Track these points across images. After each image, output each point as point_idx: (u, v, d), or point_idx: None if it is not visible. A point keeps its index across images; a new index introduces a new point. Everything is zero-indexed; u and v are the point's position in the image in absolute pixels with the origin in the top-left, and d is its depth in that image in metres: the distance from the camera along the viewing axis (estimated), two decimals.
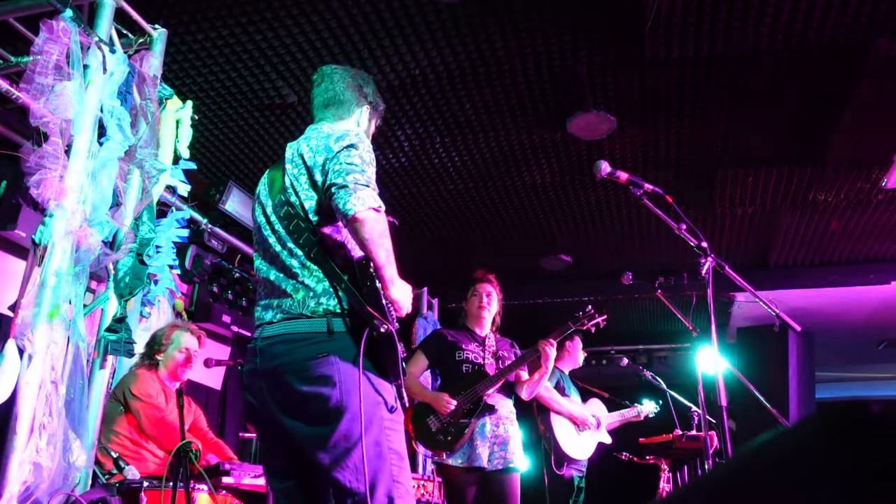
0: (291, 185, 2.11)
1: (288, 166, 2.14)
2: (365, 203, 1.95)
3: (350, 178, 1.98)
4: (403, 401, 2.09)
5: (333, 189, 1.99)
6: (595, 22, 3.51)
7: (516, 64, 3.82)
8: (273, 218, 2.14)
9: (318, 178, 2.06)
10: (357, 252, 2.06)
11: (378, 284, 1.98)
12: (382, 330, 1.95)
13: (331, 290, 2.02)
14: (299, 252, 2.07)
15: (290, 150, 2.18)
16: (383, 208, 2.01)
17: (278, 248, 2.11)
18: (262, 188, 2.26)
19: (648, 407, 5.15)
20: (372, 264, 1.98)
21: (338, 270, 2.02)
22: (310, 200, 2.08)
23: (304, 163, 2.10)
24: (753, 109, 4.17)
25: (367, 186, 1.99)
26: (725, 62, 3.74)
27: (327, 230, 2.08)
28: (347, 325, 2.00)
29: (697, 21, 3.43)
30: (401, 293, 2.05)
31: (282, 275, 2.08)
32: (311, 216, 2.07)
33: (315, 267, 2.05)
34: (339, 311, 2.00)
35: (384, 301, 1.99)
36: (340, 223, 2.07)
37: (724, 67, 3.79)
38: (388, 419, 2.00)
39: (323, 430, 1.95)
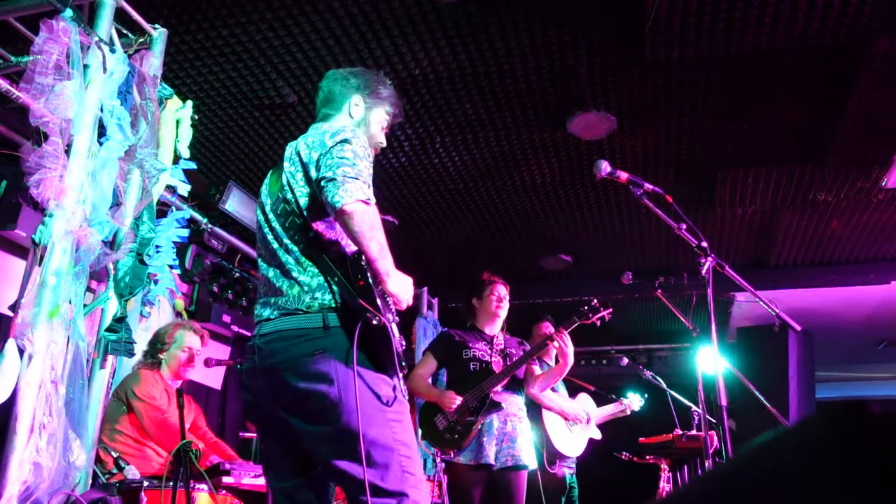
0: (288, 182, 2.12)
1: (286, 164, 2.16)
2: (353, 195, 1.93)
3: (340, 171, 1.97)
4: (402, 392, 2.08)
5: (323, 182, 1.99)
6: (595, 22, 3.50)
7: (516, 64, 3.82)
8: (271, 216, 2.15)
9: (313, 173, 2.06)
10: (351, 247, 2.06)
11: (371, 279, 1.97)
12: (375, 322, 1.93)
13: (325, 285, 2.02)
14: (295, 248, 2.07)
15: (290, 149, 2.20)
16: (373, 201, 1.99)
17: (276, 245, 2.11)
18: (263, 188, 2.28)
19: (634, 400, 5.16)
20: (364, 258, 1.98)
21: (332, 265, 2.02)
22: (304, 197, 2.09)
23: (301, 160, 2.11)
24: (753, 109, 4.17)
25: (357, 179, 1.97)
26: (725, 62, 3.74)
27: (321, 226, 2.09)
28: (342, 320, 1.99)
29: (697, 21, 3.43)
30: (399, 286, 2.03)
31: (279, 272, 2.09)
32: (305, 213, 2.08)
33: (310, 263, 2.05)
34: (334, 305, 2.00)
35: (378, 294, 1.98)
36: (333, 218, 2.07)
37: (724, 67, 3.79)
38: (392, 411, 1.99)
39: (325, 428, 1.94)
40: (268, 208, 2.18)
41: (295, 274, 2.05)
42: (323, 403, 1.94)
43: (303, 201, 2.08)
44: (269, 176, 2.29)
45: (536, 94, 4.08)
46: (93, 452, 2.40)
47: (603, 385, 5.61)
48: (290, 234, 2.09)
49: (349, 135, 2.07)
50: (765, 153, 4.64)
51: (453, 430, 3.66)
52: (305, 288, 2.02)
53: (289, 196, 2.10)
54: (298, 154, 2.13)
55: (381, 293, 2.01)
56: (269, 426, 2.11)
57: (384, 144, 2.40)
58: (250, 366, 2.10)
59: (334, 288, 2.01)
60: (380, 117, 2.35)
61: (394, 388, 2.04)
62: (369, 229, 1.95)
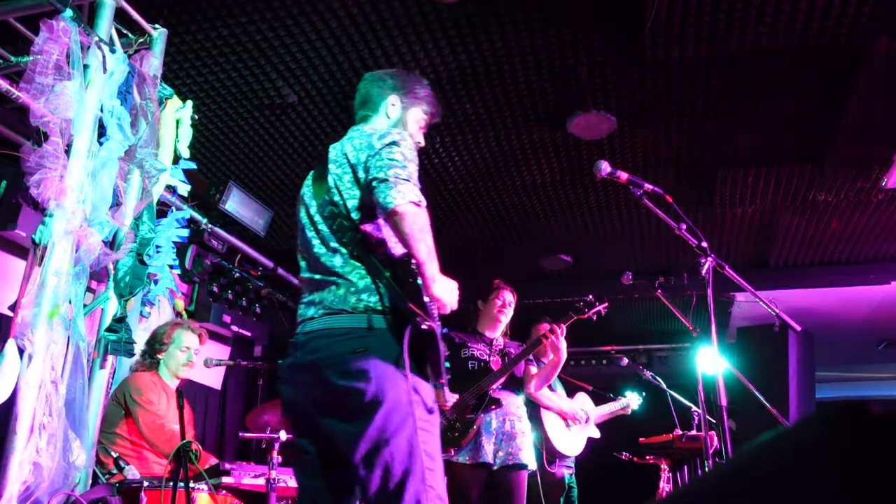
0: (335, 184, 2.11)
1: (332, 166, 2.15)
2: (405, 197, 1.94)
3: (391, 172, 1.98)
4: (444, 400, 2.07)
5: (374, 183, 1.99)
6: (595, 22, 3.50)
7: (516, 64, 3.82)
8: (317, 218, 2.15)
9: (361, 175, 2.06)
10: (398, 250, 2.06)
11: (420, 281, 1.97)
12: (424, 327, 1.93)
13: (372, 286, 2.02)
14: (343, 250, 2.07)
15: (334, 150, 2.19)
16: (424, 203, 2.00)
17: (322, 247, 2.11)
18: (305, 189, 2.27)
19: (632, 399, 5.17)
20: (413, 260, 1.97)
21: (380, 267, 2.03)
22: (353, 199, 2.08)
23: (349, 161, 2.11)
24: (753, 109, 4.17)
25: (408, 181, 1.99)
26: (725, 62, 3.74)
27: (369, 227, 2.08)
28: (388, 322, 1.99)
29: (697, 21, 3.43)
30: (443, 290, 2.02)
31: (324, 273, 2.09)
32: (353, 214, 2.08)
33: (357, 264, 2.05)
34: (380, 307, 2.00)
35: (426, 298, 1.98)
36: (381, 220, 2.07)
37: (724, 67, 3.79)
38: (423, 420, 1.97)
39: (356, 427, 1.93)
40: (313, 210, 2.18)
41: (342, 275, 2.05)
42: (359, 401, 1.92)
43: (351, 203, 2.08)
44: (309, 178, 2.29)
45: (536, 94, 4.08)
46: (93, 452, 2.40)
47: (603, 385, 5.61)
48: (337, 236, 2.09)
49: (397, 137, 2.08)
50: (765, 153, 4.64)
51: (452, 428, 3.66)
52: (352, 289, 2.02)
53: (336, 198, 2.10)
54: (345, 156, 2.12)
55: (427, 297, 2.01)
56: (303, 423, 2.10)
57: (422, 144, 2.39)
58: (291, 361, 2.10)
59: (382, 290, 2.01)
60: (417, 117, 2.37)
61: (434, 399, 2.03)
62: (419, 231, 1.95)
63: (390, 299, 2.00)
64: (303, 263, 2.20)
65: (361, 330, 1.98)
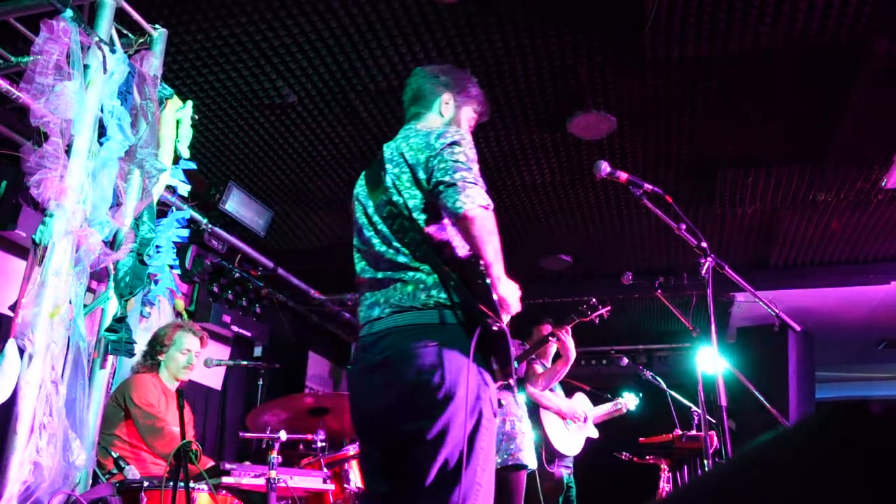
0: (393, 184, 2.09)
1: (388, 166, 2.13)
2: (475, 201, 1.94)
3: (458, 175, 1.97)
4: (516, 401, 2.08)
5: (441, 187, 1.98)
6: (595, 22, 3.51)
7: (516, 64, 3.82)
8: (376, 218, 2.14)
9: (422, 175, 2.05)
10: (461, 250, 2.06)
11: (487, 281, 1.97)
12: (495, 328, 1.94)
13: (440, 283, 2.01)
14: (406, 250, 2.06)
15: (389, 149, 2.17)
16: (492, 206, 1.99)
17: (383, 248, 2.09)
18: (360, 189, 2.26)
19: (630, 399, 5.17)
20: (481, 262, 1.97)
21: (446, 268, 2.02)
22: (413, 199, 2.07)
23: (406, 161, 2.09)
24: (753, 109, 4.17)
25: (476, 184, 1.98)
26: (725, 62, 3.74)
27: (432, 229, 2.07)
28: (459, 319, 1.98)
29: (697, 21, 3.43)
30: (509, 291, 2.03)
31: (388, 273, 2.07)
32: (414, 215, 2.06)
33: (422, 264, 2.04)
34: (449, 303, 1.99)
35: (494, 297, 1.98)
36: (445, 221, 2.06)
37: (724, 67, 3.79)
38: (488, 419, 1.99)
39: (426, 423, 1.93)
40: (370, 210, 2.16)
41: (408, 274, 2.03)
42: (430, 397, 1.92)
43: (412, 203, 2.06)
44: (362, 177, 2.28)
45: (536, 94, 4.08)
46: (93, 452, 2.40)
47: (603, 385, 5.61)
48: (398, 236, 2.08)
49: (457, 136, 2.06)
50: (765, 153, 4.65)
51: None
52: (420, 286, 2.01)
53: (395, 198, 2.08)
54: (402, 155, 2.10)
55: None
56: (372, 426, 2.09)
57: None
58: (360, 365, 2.09)
59: (450, 289, 2.00)
60: (468, 115, 2.35)
61: (497, 400, 2.04)
62: (488, 234, 1.95)
63: (460, 298, 2.00)
64: (361, 264, 2.18)
65: (434, 325, 1.97)
